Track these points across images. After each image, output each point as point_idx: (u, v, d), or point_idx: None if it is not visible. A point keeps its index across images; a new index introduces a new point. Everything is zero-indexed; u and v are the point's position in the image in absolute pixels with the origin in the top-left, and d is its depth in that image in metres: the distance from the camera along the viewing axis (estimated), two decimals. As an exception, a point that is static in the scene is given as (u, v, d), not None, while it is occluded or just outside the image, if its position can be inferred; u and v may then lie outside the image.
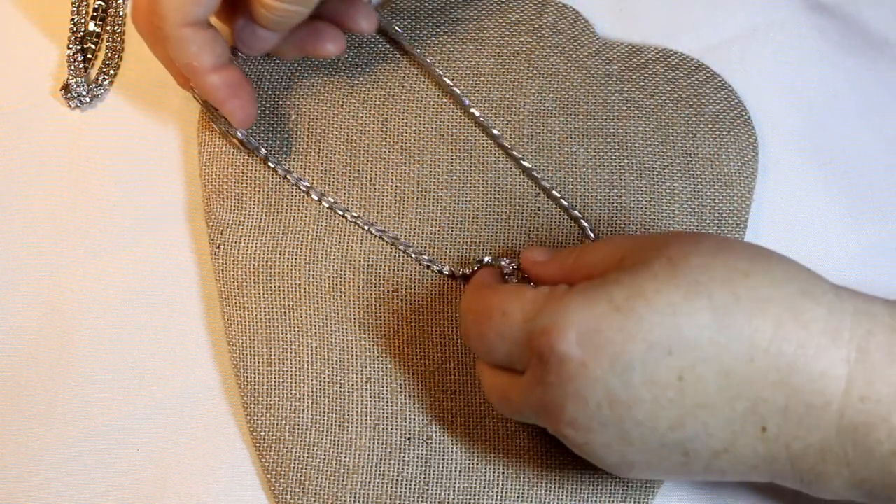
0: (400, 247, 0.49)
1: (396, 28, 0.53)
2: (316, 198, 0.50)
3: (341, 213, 0.50)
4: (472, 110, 0.51)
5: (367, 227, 0.49)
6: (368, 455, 0.46)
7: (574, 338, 0.37)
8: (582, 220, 0.49)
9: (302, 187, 0.50)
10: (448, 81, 0.52)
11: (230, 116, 0.48)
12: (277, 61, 0.53)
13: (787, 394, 0.36)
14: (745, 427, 0.37)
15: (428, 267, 0.49)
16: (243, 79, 0.48)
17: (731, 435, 0.37)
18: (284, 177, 0.50)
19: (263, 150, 0.50)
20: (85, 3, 0.56)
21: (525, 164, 0.50)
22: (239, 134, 0.50)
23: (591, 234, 0.49)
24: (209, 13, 0.45)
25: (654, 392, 0.37)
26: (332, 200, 0.50)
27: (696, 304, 0.36)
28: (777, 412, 0.36)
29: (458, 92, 0.51)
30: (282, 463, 0.46)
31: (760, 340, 0.36)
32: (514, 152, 0.51)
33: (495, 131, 0.51)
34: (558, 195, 0.50)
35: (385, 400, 0.47)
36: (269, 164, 0.50)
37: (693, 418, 0.37)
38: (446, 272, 0.49)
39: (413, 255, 0.49)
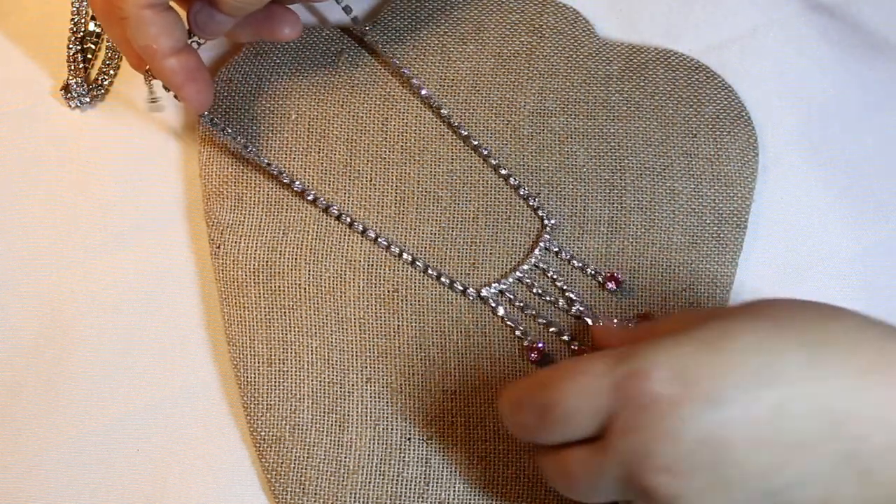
0: (422, 268, 0.49)
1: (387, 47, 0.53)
2: (311, 198, 0.50)
3: (339, 216, 0.50)
4: (443, 110, 0.51)
5: (365, 233, 0.49)
6: (368, 455, 0.46)
7: (667, 375, 0.36)
8: (540, 212, 0.50)
9: (296, 188, 0.50)
10: (422, 87, 0.52)
11: (186, 101, 0.48)
12: (276, 61, 0.53)
13: (887, 430, 0.35)
14: (845, 472, 0.35)
15: (451, 287, 0.49)
16: (200, 64, 0.48)
17: (832, 482, 0.35)
18: (278, 176, 0.50)
19: (230, 133, 0.51)
20: (85, 3, 0.56)
21: (492, 161, 0.51)
22: (203, 120, 0.50)
23: (551, 222, 0.49)
24: None
25: (750, 429, 0.35)
26: (324, 203, 0.50)
27: (789, 342, 0.36)
28: (877, 453, 0.35)
29: (426, 93, 0.52)
30: (282, 463, 0.46)
31: (854, 377, 0.35)
32: (483, 149, 0.51)
33: (463, 131, 0.51)
34: (520, 187, 0.50)
35: (385, 400, 0.47)
36: (255, 159, 0.50)
37: (792, 459, 0.35)
38: (470, 292, 0.48)
39: (433, 274, 0.49)
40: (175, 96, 0.49)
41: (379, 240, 0.49)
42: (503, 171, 0.50)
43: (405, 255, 0.49)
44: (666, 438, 0.35)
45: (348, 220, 0.49)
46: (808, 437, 0.35)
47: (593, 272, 0.49)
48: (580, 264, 0.49)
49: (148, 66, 0.48)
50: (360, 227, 0.49)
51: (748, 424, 0.35)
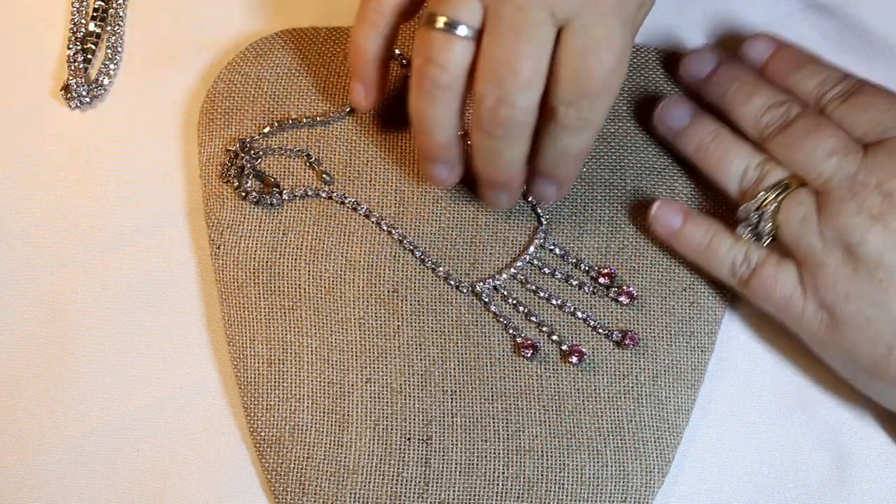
0: (419, 261, 0.49)
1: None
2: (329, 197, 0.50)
3: (343, 202, 0.50)
4: None
5: (391, 232, 0.50)
6: (368, 455, 0.46)
7: None
8: (538, 209, 0.50)
9: (297, 192, 0.50)
10: None
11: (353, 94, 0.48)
12: (276, 62, 0.53)
13: None
14: None
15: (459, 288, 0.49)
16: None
17: None
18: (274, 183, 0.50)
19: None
20: (85, 3, 0.56)
21: None
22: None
23: (545, 220, 0.50)
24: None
25: None
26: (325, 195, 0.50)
27: None
28: None
29: None
30: (282, 463, 0.46)
31: None
32: None
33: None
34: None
35: (385, 400, 0.47)
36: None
37: None
38: (464, 287, 0.49)
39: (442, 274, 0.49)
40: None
41: (381, 223, 0.49)
42: None
43: (405, 244, 0.49)
44: None
45: (352, 201, 0.50)
46: None
47: (587, 268, 0.49)
48: (574, 260, 0.49)
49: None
50: (364, 210, 0.49)
51: None
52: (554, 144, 0.44)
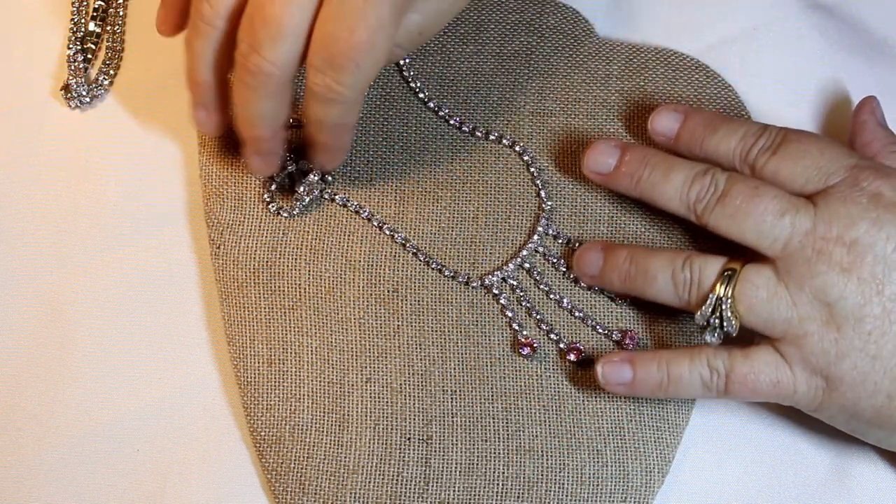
0: (423, 262, 0.49)
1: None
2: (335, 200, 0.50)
3: (345, 204, 0.50)
4: (443, 110, 0.51)
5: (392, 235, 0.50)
6: (368, 455, 0.46)
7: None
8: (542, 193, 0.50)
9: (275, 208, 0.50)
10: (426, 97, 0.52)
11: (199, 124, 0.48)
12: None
13: None
14: None
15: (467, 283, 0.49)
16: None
17: None
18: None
19: None
20: (85, 3, 0.56)
21: (505, 141, 0.51)
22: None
23: (548, 205, 0.50)
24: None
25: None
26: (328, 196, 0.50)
27: None
28: None
29: (426, 94, 0.52)
30: (282, 463, 0.46)
31: None
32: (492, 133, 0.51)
33: (465, 128, 0.52)
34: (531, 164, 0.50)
35: (385, 400, 0.47)
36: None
37: None
38: (474, 283, 0.49)
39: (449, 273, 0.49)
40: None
41: (384, 228, 0.49)
42: (517, 148, 0.51)
43: (408, 247, 0.49)
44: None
45: (354, 204, 0.50)
46: None
47: None
48: (578, 245, 0.49)
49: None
50: (366, 214, 0.49)
51: None
52: (308, 111, 0.44)
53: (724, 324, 0.43)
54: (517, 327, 0.48)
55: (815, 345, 0.42)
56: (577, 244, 0.49)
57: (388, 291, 0.49)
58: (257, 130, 0.45)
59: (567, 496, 0.45)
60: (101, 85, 0.54)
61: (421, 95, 0.52)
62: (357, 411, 0.47)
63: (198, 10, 0.44)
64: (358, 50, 0.41)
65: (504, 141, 0.51)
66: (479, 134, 0.51)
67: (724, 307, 0.43)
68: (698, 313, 0.44)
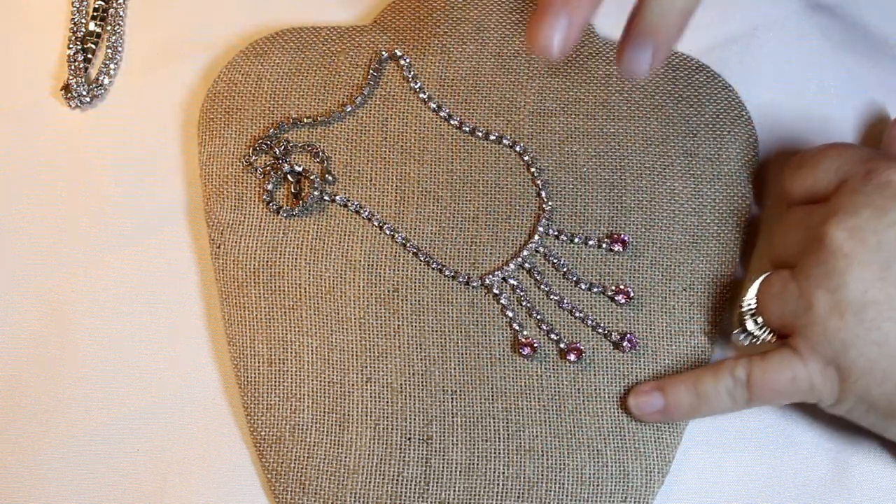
0: (423, 262, 0.49)
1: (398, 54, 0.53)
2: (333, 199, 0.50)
3: (346, 204, 0.50)
4: (443, 110, 0.52)
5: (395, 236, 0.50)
6: (368, 455, 0.46)
7: None
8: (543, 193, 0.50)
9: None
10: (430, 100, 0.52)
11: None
12: (276, 61, 0.53)
13: None
14: None
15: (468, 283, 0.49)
16: None
17: None
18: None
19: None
20: (85, 3, 0.56)
21: (505, 141, 0.51)
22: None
23: (549, 205, 0.49)
24: None
25: None
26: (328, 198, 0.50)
27: None
28: None
29: (426, 94, 0.52)
30: (282, 463, 0.46)
31: None
32: (491, 134, 0.51)
33: (466, 127, 0.51)
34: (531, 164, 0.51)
35: (385, 400, 0.47)
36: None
37: None
38: (474, 282, 0.49)
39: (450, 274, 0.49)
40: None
41: (384, 228, 0.49)
42: (517, 148, 0.51)
43: (408, 247, 0.49)
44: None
45: (355, 204, 0.50)
46: None
47: (595, 243, 0.49)
48: (581, 240, 0.49)
49: None
50: (367, 214, 0.50)
51: None
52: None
53: (747, 324, 0.45)
54: (517, 327, 0.48)
55: (822, 334, 0.42)
56: (582, 237, 0.49)
57: (389, 291, 0.49)
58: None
59: (567, 496, 0.45)
60: (101, 85, 0.54)
61: (421, 95, 0.52)
62: (357, 411, 0.47)
63: None
64: None
65: (504, 141, 0.51)
66: (479, 134, 0.51)
67: (743, 308, 0.45)
68: (735, 332, 0.46)
